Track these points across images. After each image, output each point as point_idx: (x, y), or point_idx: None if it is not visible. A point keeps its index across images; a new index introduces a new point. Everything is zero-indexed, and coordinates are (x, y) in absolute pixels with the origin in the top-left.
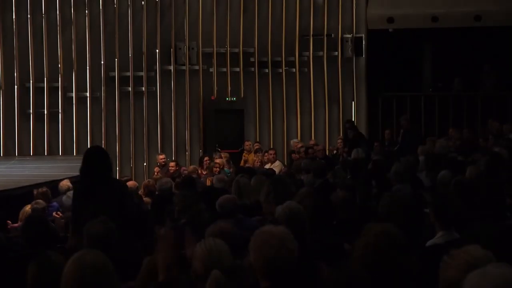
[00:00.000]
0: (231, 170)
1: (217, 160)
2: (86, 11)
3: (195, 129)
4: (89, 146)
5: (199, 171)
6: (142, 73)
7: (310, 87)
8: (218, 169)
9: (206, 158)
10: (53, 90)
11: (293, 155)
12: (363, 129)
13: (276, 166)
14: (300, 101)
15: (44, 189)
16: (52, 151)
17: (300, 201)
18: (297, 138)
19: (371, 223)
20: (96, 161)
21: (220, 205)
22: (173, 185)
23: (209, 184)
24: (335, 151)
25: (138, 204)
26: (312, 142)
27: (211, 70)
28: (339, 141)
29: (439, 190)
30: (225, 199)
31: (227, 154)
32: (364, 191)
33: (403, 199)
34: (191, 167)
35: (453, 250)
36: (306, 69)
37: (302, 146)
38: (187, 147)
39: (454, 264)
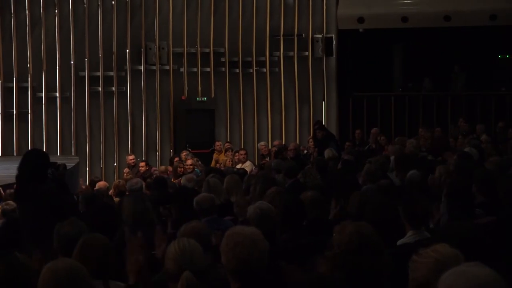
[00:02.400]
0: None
1: (189, 161)
2: (56, 11)
3: (166, 129)
4: (58, 147)
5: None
6: (113, 73)
7: (281, 87)
8: (190, 169)
9: (176, 158)
10: (22, 90)
11: (262, 161)
12: (333, 129)
13: (247, 166)
14: (270, 101)
15: (13, 190)
16: (22, 152)
17: (270, 201)
18: (267, 138)
19: (343, 222)
20: (27, 165)
21: (198, 203)
22: (143, 185)
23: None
24: (305, 151)
25: (75, 204)
26: (276, 142)
27: (181, 70)
28: (310, 140)
29: (408, 190)
30: (203, 198)
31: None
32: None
33: (374, 199)
34: (162, 167)
35: (421, 249)
36: (276, 69)
37: (276, 146)
38: (158, 147)
39: (424, 262)
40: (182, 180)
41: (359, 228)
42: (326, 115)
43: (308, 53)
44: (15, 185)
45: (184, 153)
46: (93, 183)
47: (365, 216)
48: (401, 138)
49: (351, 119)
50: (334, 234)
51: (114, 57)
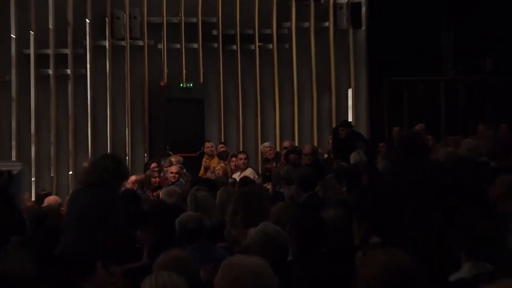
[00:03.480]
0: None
1: (173, 168)
2: None
3: (138, 126)
4: None
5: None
6: (67, 51)
7: (293, 69)
8: (174, 179)
9: (153, 165)
10: None
11: (266, 166)
12: (363, 126)
13: (248, 175)
14: (278, 88)
15: None
16: None
17: (277, 221)
18: (274, 137)
19: (373, 251)
20: None
21: (181, 224)
22: None
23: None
24: (326, 155)
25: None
26: (286, 143)
27: (159, 46)
28: (331, 141)
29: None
30: (187, 217)
31: (180, 158)
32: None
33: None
34: (133, 177)
35: (482, 286)
36: (287, 45)
37: (287, 148)
38: (127, 150)
39: None
40: (162, 193)
41: (393, 259)
42: (354, 106)
43: (329, 24)
44: None
45: (174, 159)
46: (40, 197)
47: (400, 242)
48: (453, 138)
49: (387, 112)
50: (359, 265)
51: (69, 30)
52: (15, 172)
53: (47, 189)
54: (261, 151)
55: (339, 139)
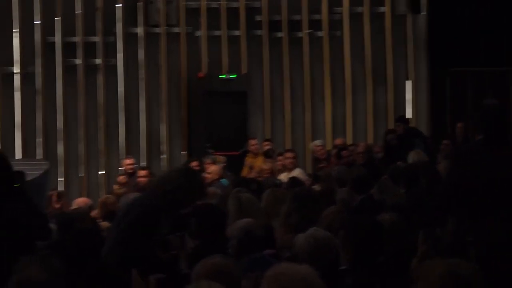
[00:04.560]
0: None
1: (212, 168)
2: None
3: (175, 121)
4: (17, 146)
5: None
6: (97, 39)
7: (345, 59)
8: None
9: (194, 164)
10: None
11: (318, 167)
12: (423, 121)
13: (296, 175)
14: (331, 80)
15: None
16: None
17: (329, 227)
18: (325, 134)
19: (434, 260)
20: None
21: (247, 232)
22: None
23: None
24: (381, 154)
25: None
26: (338, 141)
27: (197, 33)
28: (390, 136)
29: None
30: (250, 225)
31: (223, 158)
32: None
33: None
34: None
35: None
36: (338, 33)
37: (338, 146)
38: (164, 147)
39: None
40: None
41: (455, 269)
42: (414, 100)
43: (386, 9)
44: None
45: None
46: (49, 197)
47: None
48: None
49: (449, 107)
50: (415, 275)
51: (99, 16)
52: (38, 173)
53: (70, 191)
54: (311, 150)
55: (389, 144)
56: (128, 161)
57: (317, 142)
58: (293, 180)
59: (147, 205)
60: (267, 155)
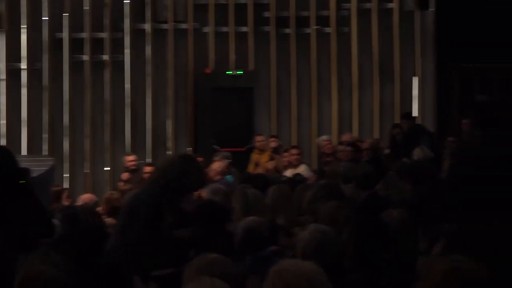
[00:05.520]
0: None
1: (216, 164)
2: None
3: (182, 117)
4: (22, 142)
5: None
6: (104, 35)
7: (352, 56)
8: (219, 176)
9: (199, 160)
10: None
11: (324, 160)
12: (429, 117)
13: (301, 172)
14: (338, 76)
15: None
16: None
17: (330, 223)
18: (331, 130)
19: (436, 257)
20: None
21: (249, 231)
22: None
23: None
24: (387, 150)
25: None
26: (346, 137)
27: (205, 30)
28: (396, 130)
29: None
30: (255, 223)
31: (228, 154)
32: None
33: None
34: None
35: None
36: (346, 29)
37: (344, 142)
38: (170, 144)
39: None
40: (206, 191)
41: (458, 266)
42: (420, 97)
43: (394, 5)
44: None
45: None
46: (55, 194)
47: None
48: None
49: (456, 104)
50: (420, 272)
51: (107, 11)
52: (43, 169)
53: (73, 186)
54: (317, 145)
55: (395, 140)
56: (130, 158)
57: (324, 137)
58: (295, 177)
59: (146, 200)
60: (276, 152)
